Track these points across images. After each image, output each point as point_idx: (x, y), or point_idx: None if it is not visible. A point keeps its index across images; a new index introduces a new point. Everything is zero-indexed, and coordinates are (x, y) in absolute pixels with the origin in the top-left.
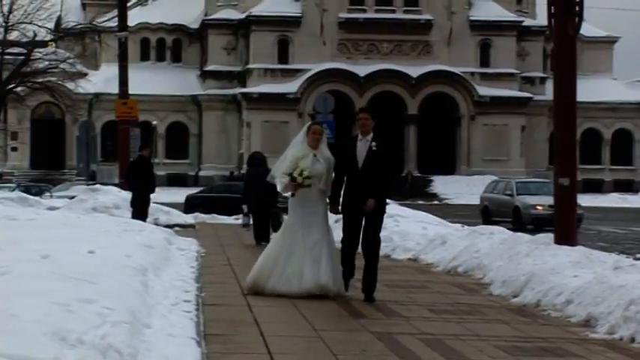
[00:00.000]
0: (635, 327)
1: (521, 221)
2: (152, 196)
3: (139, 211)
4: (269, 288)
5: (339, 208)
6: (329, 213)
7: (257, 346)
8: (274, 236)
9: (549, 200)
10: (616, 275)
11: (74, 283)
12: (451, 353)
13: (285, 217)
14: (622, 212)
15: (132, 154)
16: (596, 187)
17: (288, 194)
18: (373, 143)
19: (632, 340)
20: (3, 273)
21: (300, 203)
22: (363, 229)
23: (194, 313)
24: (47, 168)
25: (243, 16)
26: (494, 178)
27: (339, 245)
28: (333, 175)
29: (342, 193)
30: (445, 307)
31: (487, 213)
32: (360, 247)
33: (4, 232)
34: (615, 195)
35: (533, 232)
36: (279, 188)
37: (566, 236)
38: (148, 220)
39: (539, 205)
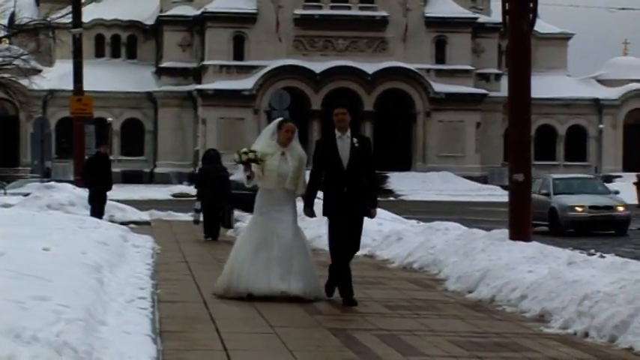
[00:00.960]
0: (588, 322)
1: (559, 225)
2: (108, 193)
3: (97, 208)
4: (242, 289)
5: (320, 211)
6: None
7: (213, 343)
8: (239, 238)
9: (592, 200)
10: (570, 270)
11: (29, 280)
12: (406, 349)
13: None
14: None
15: (87, 151)
16: None
17: (250, 184)
18: (355, 140)
19: (586, 334)
20: None
21: (266, 202)
22: (347, 230)
23: (150, 310)
24: (1, 165)
25: (198, 12)
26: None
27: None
28: (312, 175)
29: (316, 195)
30: (401, 302)
31: None
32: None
33: None
34: None
35: (573, 237)
36: (243, 178)
37: (521, 232)
38: (104, 217)
39: (579, 206)
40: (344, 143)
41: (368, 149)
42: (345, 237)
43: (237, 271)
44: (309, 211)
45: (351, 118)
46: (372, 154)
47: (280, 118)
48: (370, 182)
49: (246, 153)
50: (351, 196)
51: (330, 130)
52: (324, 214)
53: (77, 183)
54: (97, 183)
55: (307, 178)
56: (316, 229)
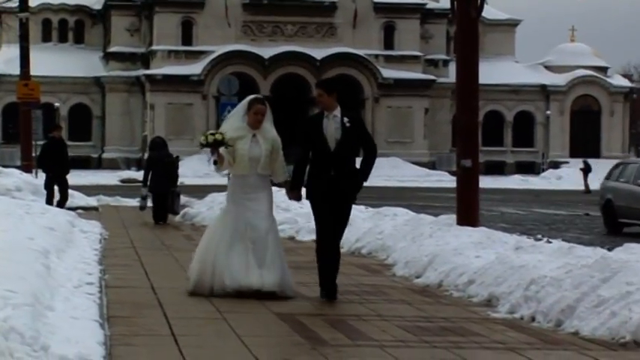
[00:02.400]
0: (535, 306)
1: None
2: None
3: (52, 193)
4: (217, 288)
5: (304, 194)
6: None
7: (161, 328)
8: (210, 227)
9: None
10: (517, 256)
11: None
12: (354, 333)
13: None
14: (524, 193)
15: (34, 137)
16: (498, 169)
17: (219, 170)
18: (345, 119)
19: (533, 319)
20: None
21: (239, 190)
22: (332, 216)
23: (97, 296)
24: None
25: None
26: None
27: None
28: (299, 157)
29: (304, 178)
30: (349, 288)
31: (611, 211)
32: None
33: None
34: (517, 177)
35: None
36: (209, 163)
37: (469, 217)
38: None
39: None
40: (330, 123)
41: (362, 129)
42: (330, 224)
43: (209, 266)
44: (295, 194)
45: (332, 98)
46: (368, 133)
47: (251, 97)
48: (367, 161)
49: (213, 134)
50: (337, 181)
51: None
52: (308, 198)
53: (24, 168)
54: (53, 168)
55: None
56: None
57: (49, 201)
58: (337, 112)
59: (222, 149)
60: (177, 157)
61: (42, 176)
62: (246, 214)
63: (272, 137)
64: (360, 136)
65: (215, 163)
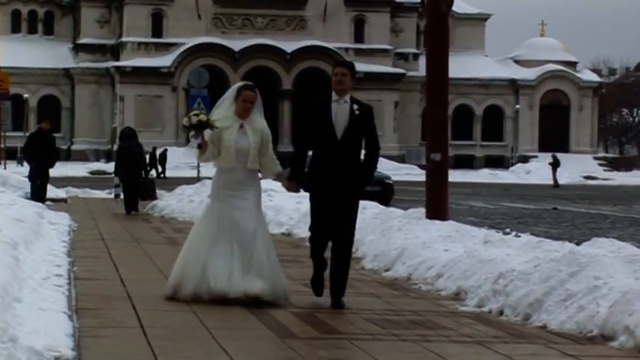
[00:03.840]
0: (503, 300)
1: None
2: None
3: (37, 184)
4: (200, 293)
5: (303, 186)
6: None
7: (129, 320)
8: (193, 228)
9: None
10: (485, 249)
11: None
12: (323, 326)
13: (162, 193)
14: (493, 187)
15: (3, 127)
16: (467, 162)
17: (201, 159)
18: (355, 106)
19: (501, 312)
20: None
21: (224, 185)
22: (336, 217)
23: (66, 288)
24: None
25: None
26: None
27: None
28: (299, 143)
29: (305, 166)
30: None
31: None
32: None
33: None
34: (486, 171)
35: None
36: (192, 149)
37: (438, 211)
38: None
39: None
40: (341, 109)
41: (370, 119)
42: (327, 221)
43: (191, 270)
44: (293, 185)
45: (352, 83)
46: (374, 128)
47: (240, 83)
48: (371, 159)
49: (197, 115)
50: (342, 174)
51: (326, 92)
52: (307, 190)
53: None
54: (37, 160)
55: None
56: None
57: (37, 194)
58: (348, 98)
59: (206, 133)
60: (166, 149)
61: (27, 167)
62: (232, 212)
63: (261, 128)
64: (367, 128)
65: (199, 147)
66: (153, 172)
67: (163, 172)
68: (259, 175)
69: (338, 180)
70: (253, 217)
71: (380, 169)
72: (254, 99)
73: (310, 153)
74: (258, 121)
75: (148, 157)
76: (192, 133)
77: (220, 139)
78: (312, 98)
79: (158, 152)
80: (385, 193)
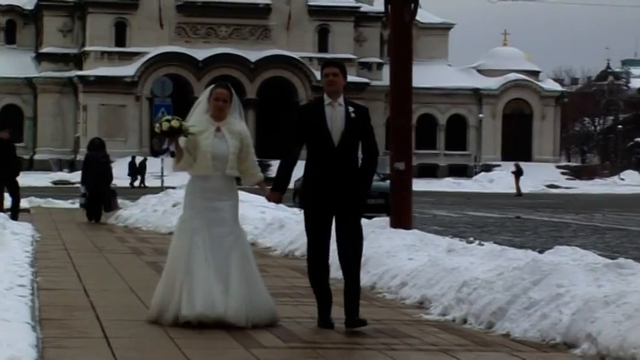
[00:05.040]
0: (467, 308)
1: None
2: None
3: (2, 197)
4: (182, 317)
5: (294, 198)
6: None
7: (93, 331)
8: (171, 244)
9: None
10: (449, 258)
11: None
12: (287, 335)
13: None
14: (456, 196)
15: None
16: (431, 172)
17: (177, 168)
18: (350, 109)
19: (465, 321)
20: None
21: (200, 194)
22: (339, 231)
23: (29, 298)
24: None
25: None
26: None
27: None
28: (289, 150)
29: (291, 176)
30: (283, 290)
31: None
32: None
33: None
34: (450, 179)
35: None
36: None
37: (402, 220)
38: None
39: None
40: (335, 112)
41: (367, 122)
42: (326, 238)
43: (170, 295)
44: (276, 195)
45: (343, 82)
46: (372, 131)
47: (212, 85)
48: (369, 165)
49: (168, 121)
50: (341, 183)
51: (318, 96)
52: (301, 205)
53: None
54: (1, 170)
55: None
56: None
57: (0, 205)
58: (342, 100)
59: (181, 140)
60: (145, 159)
61: None
62: (207, 227)
63: (239, 131)
64: (364, 132)
65: (173, 155)
66: (136, 182)
67: (143, 181)
68: (236, 183)
69: (336, 190)
70: (230, 233)
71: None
72: (227, 97)
73: (298, 162)
74: (236, 123)
75: (128, 166)
76: (165, 141)
77: (196, 145)
78: (300, 104)
79: (138, 161)
80: (388, 205)
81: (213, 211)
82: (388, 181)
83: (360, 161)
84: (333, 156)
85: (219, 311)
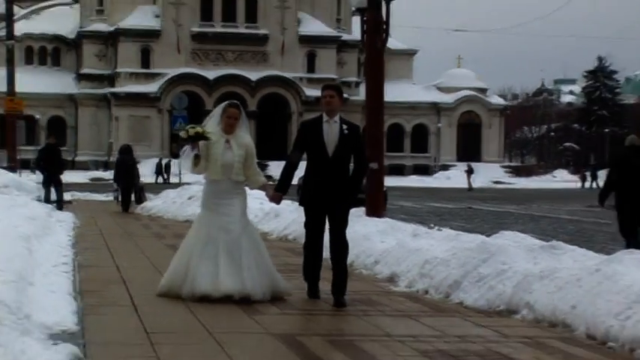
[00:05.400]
0: (428, 282)
1: None
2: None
3: (49, 191)
4: (184, 294)
5: (292, 197)
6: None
7: (123, 300)
8: (188, 233)
9: None
10: (414, 241)
11: None
12: (283, 304)
13: (148, 196)
14: (420, 191)
15: (18, 142)
16: (399, 170)
17: (196, 170)
18: (344, 126)
19: (426, 292)
20: None
21: (212, 195)
22: (331, 228)
23: (71, 274)
24: None
25: (112, 28)
26: None
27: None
28: (290, 158)
29: (292, 180)
30: (278, 267)
31: None
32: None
33: None
34: (414, 177)
35: None
36: (188, 160)
37: (375, 210)
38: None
39: None
40: (331, 128)
41: (358, 138)
42: (320, 231)
43: (182, 270)
44: (277, 197)
45: (340, 103)
46: (362, 145)
47: (227, 102)
48: (358, 174)
49: (193, 127)
50: (333, 187)
51: (318, 114)
52: (300, 203)
53: (10, 169)
54: (47, 169)
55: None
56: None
57: (47, 198)
58: (337, 118)
59: (202, 144)
60: (170, 160)
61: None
62: (219, 219)
63: (245, 143)
64: (355, 146)
65: (197, 157)
66: (160, 179)
67: (167, 178)
68: (245, 185)
69: (329, 192)
70: (239, 223)
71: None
72: (238, 115)
73: (299, 168)
74: (243, 136)
75: (155, 166)
76: (186, 146)
77: (209, 153)
78: (303, 120)
79: (164, 162)
80: None
81: (224, 207)
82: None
83: (351, 171)
84: (327, 165)
85: (226, 289)
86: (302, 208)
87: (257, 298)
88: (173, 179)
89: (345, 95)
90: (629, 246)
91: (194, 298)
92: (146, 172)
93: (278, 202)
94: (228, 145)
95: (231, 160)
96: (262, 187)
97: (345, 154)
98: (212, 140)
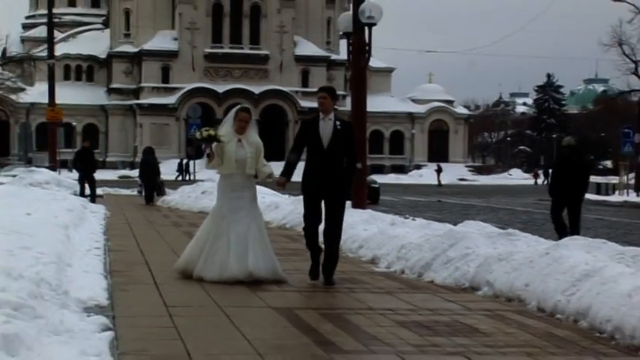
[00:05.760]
0: (404, 263)
1: None
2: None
3: (84, 187)
4: (195, 274)
5: (289, 182)
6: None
7: (147, 279)
8: (204, 221)
9: None
10: (392, 229)
11: (17, 236)
12: (280, 283)
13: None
14: (397, 187)
15: (58, 146)
16: (379, 170)
17: (209, 166)
18: (337, 122)
19: (402, 272)
20: None
21: (227, 188)
22: (326, 215)
23: (102, 256)
24: None
25: (137, 50)
26: None
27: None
28: (292, 151)
29: (294, 170)
30: (277, 251)
31: None
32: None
33: None
34: (392, 175)
35: None
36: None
37: (359, 202)
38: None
39: None
40: (326, 125)
41: (349, 133)
42: (317, 212)
43: (195, 258)
44: (283, 179)
45: (333, 103)
46: (353, 138)
47: (238, 107)
48: (350, 164)
49: (207, 130)
50: (328, 176)
51: (316, 113)
52: (302, 189)
53: (51, 168)
54: (83, 168)
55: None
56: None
57: (82, 192)
58: (332, 116)
59: (214, 145)
60: (189, 160)
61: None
62: (232, 210)
63: (255, 142)
64: (346, 140)
65: (208, 155)
66: (179, 177)
67: (188, 176)
68: (255, 179)
69: (326, 180)
70: (249, 213)
71: None
72: (248, 119)
73: (302, 160)
74: (253, 136)
75: (177, 165)
76: (203, 145)
77: (223, 151)
78: (303, 119)
79: (184, 162)
80: (371, 195)
81: (237, 199)
82: (371, 176)
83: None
84: (323, 156)
85: (236, 273)
86: (299, 201)
87: (261, 275)
88: (191, 177)
89: (334, 106)
90: (557, 230)
91: (200, 279)
92: (166, 171)
93: (284, 185)
94: (240, 143)
95: (244, 156)
96: (270, 176)
97: (338, 146)
98: (224, 142)
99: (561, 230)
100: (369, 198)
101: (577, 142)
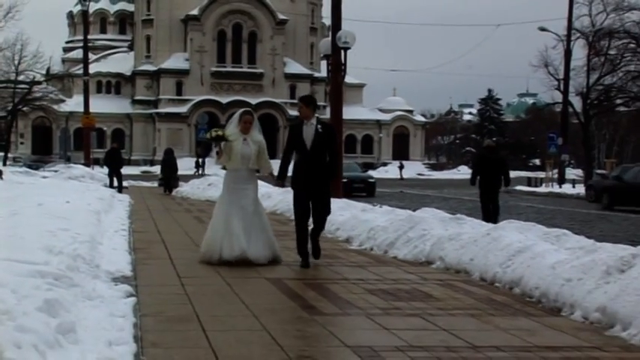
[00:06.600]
0: (373, 242)
1: None
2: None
3: (112, 180)
4: (225, 256)
5: (287, 182)
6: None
7: (163, 255)
8: (214, 212)
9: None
10: (363, 214)
11: (57, 219)
12: (274, 260)
13: (182, 184)
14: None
15: (91, 146)
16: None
17: (218, 162)
18: (319, 126)
19: (371, 249)
20: (14, 214)
21: (232, 181)
22: (313, 206)
23: (127, 236)
24: (41, 154)
25: (156, 68)
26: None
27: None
28: (284, 154)
29: (288, 170)
30: None
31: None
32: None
33: (16, 191)
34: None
35: None
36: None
37: (335, 193)
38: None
39: None
40: (309, 129)
41: (331, 135)
42: (305, 205)
43: (217, 242)
44: (280, 182)
45: (310, 109)
46: (335, 139)
47: (242, 110)
48: (331, 162)
49: (216, 131)
50: (312, 173)
51: (299, 120)
52: (291, 185)
53: (86, 164)
54: (112, 165)
55: (269, 159)
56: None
57: (111, 185)
58: (314, 120)
59: (222, 144)
60: (204, 158)
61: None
62: (238, 200)
63: (259, 140)
64: (328, 141)
65: (217, 153)
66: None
67: (203, 171)
68: (257, 173)
69: (309, 176)
70: (252, 203)
71: (358, 171)
72: (251, 120)
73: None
74: (257, 135)
75: (194, 163)
76: (209, 146)
77: (230, 148)
78: (291, 124)
79: (200, 160)
80: (368, 189)
81: (241, 191)
82: (368, 172)
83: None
84: (307, 156)
85: (245, 253)
86: (287, 192)
87: (260, 262)
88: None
89: (316, 115)
90: (484, 215)
91: (227, 261)
92: (180, 167)
93: (282, 185)
94: (245, 142)
95: (249, 153)
96: (271, 173)
97: (320, 147)
98: (231, 140)
99: (486, 213)
100: (366, 191)
101: (495, 143)
